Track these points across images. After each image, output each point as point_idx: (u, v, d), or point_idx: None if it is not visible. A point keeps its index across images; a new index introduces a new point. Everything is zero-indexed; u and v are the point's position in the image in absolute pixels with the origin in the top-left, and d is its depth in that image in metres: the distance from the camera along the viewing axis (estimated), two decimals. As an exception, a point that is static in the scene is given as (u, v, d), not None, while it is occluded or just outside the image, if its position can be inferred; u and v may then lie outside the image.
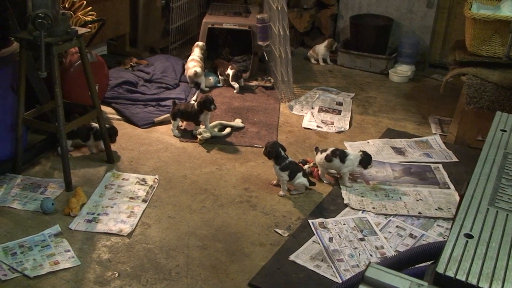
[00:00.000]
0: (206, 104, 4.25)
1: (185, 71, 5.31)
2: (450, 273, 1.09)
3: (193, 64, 5.21)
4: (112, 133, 3.98)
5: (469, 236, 1.21)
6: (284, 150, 3.64)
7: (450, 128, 4.51)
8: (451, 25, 6.00)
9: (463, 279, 1.08)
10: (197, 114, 4.28)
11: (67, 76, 4.02)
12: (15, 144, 3.61)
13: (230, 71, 5.32)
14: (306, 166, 3.85)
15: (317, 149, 3.83)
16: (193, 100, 4.66)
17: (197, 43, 5.48)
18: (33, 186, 3.54)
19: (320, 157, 3.74)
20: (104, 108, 4.54)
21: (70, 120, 3.69)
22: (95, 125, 3.92)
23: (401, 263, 1.92)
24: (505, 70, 4.09)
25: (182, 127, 4.43)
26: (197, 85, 5.23)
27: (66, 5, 4.33)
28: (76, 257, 2.92)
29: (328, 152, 3.71)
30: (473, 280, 1.08)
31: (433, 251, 1.83)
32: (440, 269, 1.10)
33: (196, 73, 5.14)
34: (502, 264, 1.13)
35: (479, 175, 1.52)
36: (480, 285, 1.07)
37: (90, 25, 4.29)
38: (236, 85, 5.30)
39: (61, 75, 3.48)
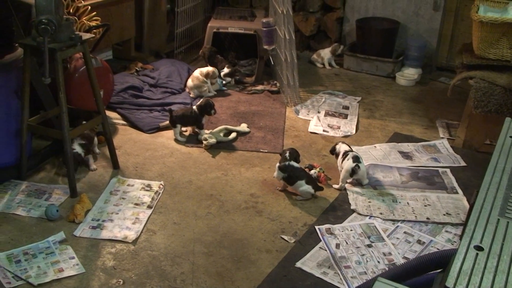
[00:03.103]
0: (206, 108, 4.26)
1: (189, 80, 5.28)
2: (460, 288, 1.05)
3: (191, 85, 5.17)
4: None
5: (479, 248, 1.18)
6: (295, 158, 3.65)
7: (458, 132, 4.46)
8: (458, 28, 5.95)
9: (474, 294, 1.04)
10: (199, 118, 4.28)
11: (72, 82, 4.00)
12: (19, 150, 3.60)
13: (226, 70, 5.46)
14: (312, 171, 3.81)
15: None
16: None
17: (213, 70, 5.24)
18: (37, 192, 3.53)
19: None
20: (109, 113, 4.53)
21: (75, 126, 3.68)
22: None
23: (409, 272, 1.89)
24: (513, 73, 4.05)
25: (187, 132, 4.41)
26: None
27: (71, 11, 4.33)
28: (80, 264, 2.90)
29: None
30: (484, 295, 1.04)
31: (442, 260, 1.80)
32: (449, 283, 1.06)
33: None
34: (513, 278, 1.10)
35: (488, 184, 1.49)
36: (491, 300, 1.04)
37: (94, 30, 4.28)
38: (228, 79, 5.47)
39: (65, 81, 3.46)
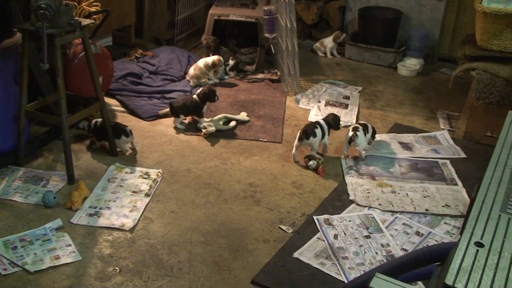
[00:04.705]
0: (210, 96, 4.26)
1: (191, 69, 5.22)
2: (460, 286, 1.03)
3: (191, 73, 5.12)
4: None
5: (479, 244, 1.15)
6: (329, 123, 3.99)
7: (459, 124, 4.44)
8: (461, 19, 5.91)
9: (473, 291, 1.02)
10: (200, 106, 4.27)
11: (71, 68, 3.97)
12: (17, 136, 3.57)
13: (231, 62, 5.41)
14: (311, 162, 3.79)
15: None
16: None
17: (219, 58, 5.21)
18: (35, 178, 3.51)
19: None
20: (109, 100, 4.51)
21: (73, 112, 3.65)
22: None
23: (406, 266, 1.87)
24: (515, 65, 4.01)
25: (186, 120, 4.38)
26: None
27: (71, -4, 4.28)
28: (77, 251, 2.88)
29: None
30: (484, 293, 1.02)
31: (440, 253, 1.78)
32: (449, 280, 1.04)
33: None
34: (514, 275, 1.08)
35: (490, 179, 1.46)
36: (491, 298, 1.02)
37: (94, 16, 4.24)
38: (232, 74, 5.42)
39: (65, 67, 3.44)
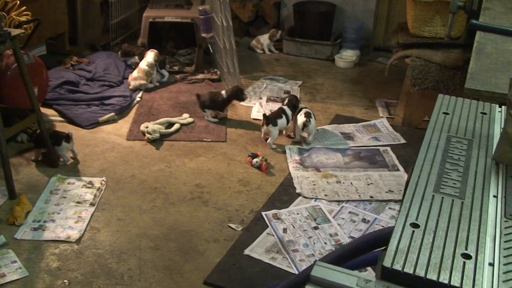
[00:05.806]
0: (239, 94, 4.43)
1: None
2: (397, 267, 1.06)
3: (135, 76, 5.03)
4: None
5: (415, 225, 1.19)
6: (293, 105, 4.20)
7: (397, 111, 4.55)
8: (393, 8, 6.05)
9: (411, 271, 1.05)
10: (225, 103, 4.44)
11: (4, 80, 3.86)
12: (-49, 154, 3.45)
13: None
14: (255, 160, 3.80)
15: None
16: (139, 98, 4.57)
17: (156, 52, 5.17)
18: (-26, 197, 3.40)
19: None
20: (46, 111, 4.40)
21: (10, 126, 3.55)
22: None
23: (352, 252, 1.90)
24: (447, 50, 4.14)
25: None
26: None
27: (-1, 6, 4.16)
28: (23, 267, 2.81)
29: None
30: (420, 272, 1.05)
31: (384, 238, 1.82)
32: (387, 262, 1.07)
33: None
34: (449, 252, 1.11)
35: (423, 161, 1.51)
36: (428, 276, 1.04)
37: (25, 26, 4.14)
38: (165, 73, 5.35)
39: (-4, 79, 3.34)
